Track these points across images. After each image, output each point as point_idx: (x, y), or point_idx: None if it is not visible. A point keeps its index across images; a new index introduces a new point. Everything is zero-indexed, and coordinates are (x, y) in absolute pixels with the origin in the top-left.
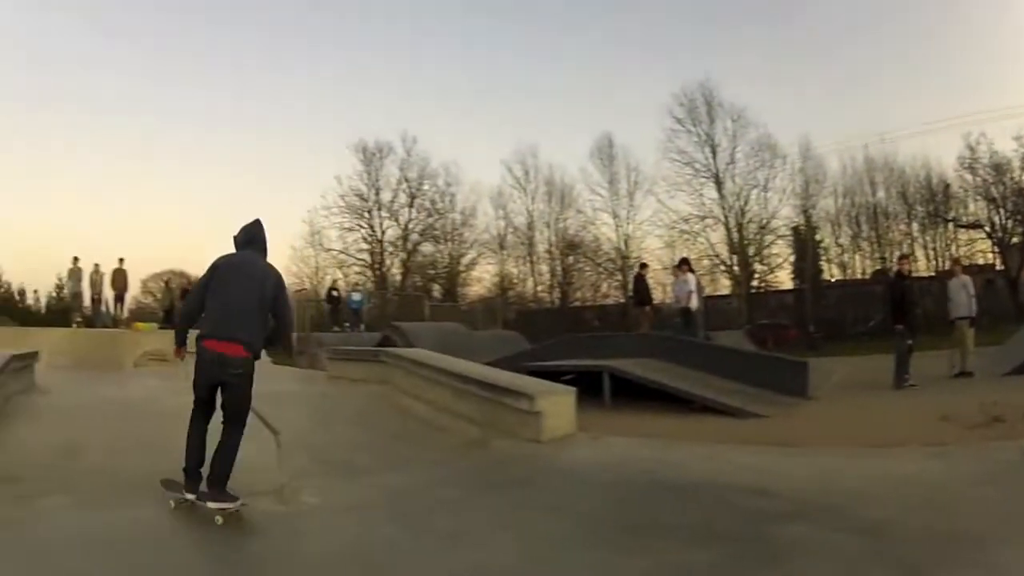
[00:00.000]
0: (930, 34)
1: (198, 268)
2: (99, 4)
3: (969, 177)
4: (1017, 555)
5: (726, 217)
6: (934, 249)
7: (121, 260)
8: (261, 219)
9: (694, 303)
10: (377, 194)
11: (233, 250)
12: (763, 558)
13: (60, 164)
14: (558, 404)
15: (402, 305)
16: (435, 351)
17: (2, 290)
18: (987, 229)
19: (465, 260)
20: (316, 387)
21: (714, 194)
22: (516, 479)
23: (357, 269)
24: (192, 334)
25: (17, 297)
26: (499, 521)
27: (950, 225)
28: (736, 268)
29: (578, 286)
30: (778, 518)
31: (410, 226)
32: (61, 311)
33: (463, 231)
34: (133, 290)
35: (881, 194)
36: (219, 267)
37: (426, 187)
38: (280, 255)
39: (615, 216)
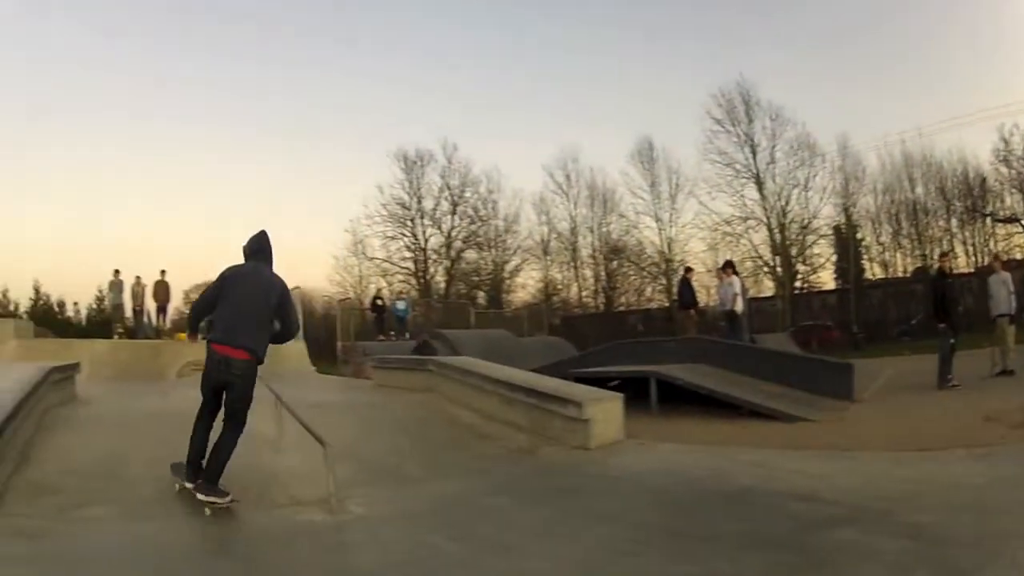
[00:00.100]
0: (958, 25)
1: None
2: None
3: (1005, 170)
4: None
5: (768, 218)
6: (973, 245)
7: (163, 272)
8: (266, 230)
9: (739, 306)
10: (419, 202)
11: (242, 259)
12: (812, 564)
13: (103, 176)
14: (606, 411)
15: (447, 313)
16: (481, 358)
17: (41, 303)
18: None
19: (509, 267)
20: (362, 396)
21: (755, 195)
22: (565, 487)
23: (401, 277)
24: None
25: (56, 309)
26: (548, 529)
27: (988, 220)
28: (779, 269)
29: (622, 291)
30: (826, 523)
31: (453, 233)
32: (102, 323)
33: (506, 237)
34: (175, 301)
35: (920, 190)
36: (227, 277)
37: (468, 194)
38: (323, 264)
39: (657, 219)
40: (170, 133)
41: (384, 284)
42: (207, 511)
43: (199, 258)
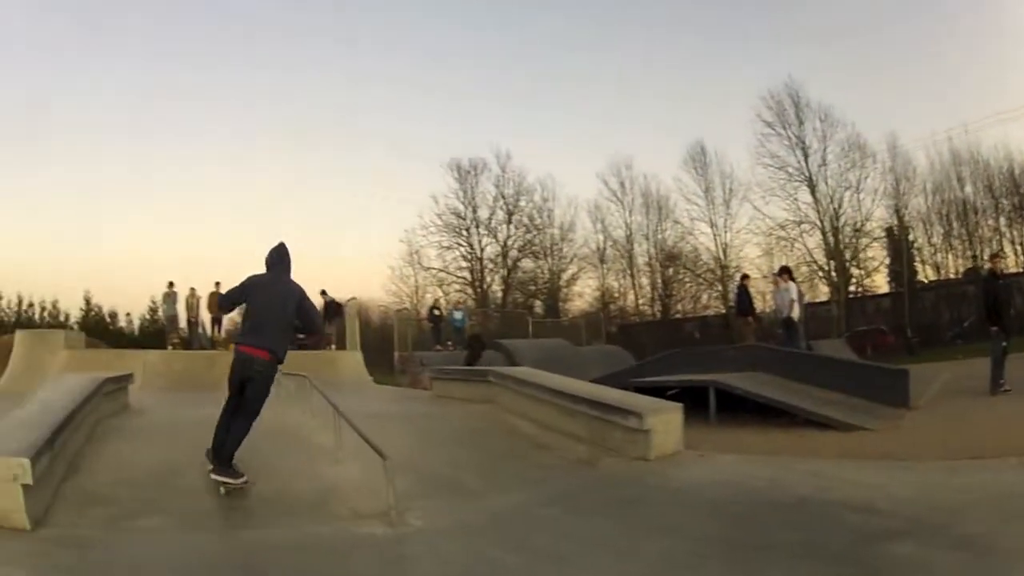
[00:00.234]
0: (1001, 18)
1: None
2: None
3: None
4: None
5: (821, 221)
6: (1021, 244)
7: (218, 284)
8: (285, 242)
9: (796, 312)
10: (474, 211)
11: (264, 269)
12: None
13: (155, 190)
14: (667, 421)
15: (505, 322)
16: (539, 368)
17: (92, 313)
18: None
19: (566, 275)
20: (420, 407)
21: (808, 198)
22: (625, 498)
23: (457, 287)
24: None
25: (108, 319)
26: (608, 542)
27: None
28: (833, 274)
29: (678, 298)
30: (883, 535)
31: (509, 243)
32: (155, 333)
33: (562, 246)
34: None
35: (968, 188)
36: (250, 285)
37: (523, 203)
38: (379, 275)
39: (712, 225)
40: (220, 151)
41: (440, 294)
42: (222, 490)
43: (254, 270)
